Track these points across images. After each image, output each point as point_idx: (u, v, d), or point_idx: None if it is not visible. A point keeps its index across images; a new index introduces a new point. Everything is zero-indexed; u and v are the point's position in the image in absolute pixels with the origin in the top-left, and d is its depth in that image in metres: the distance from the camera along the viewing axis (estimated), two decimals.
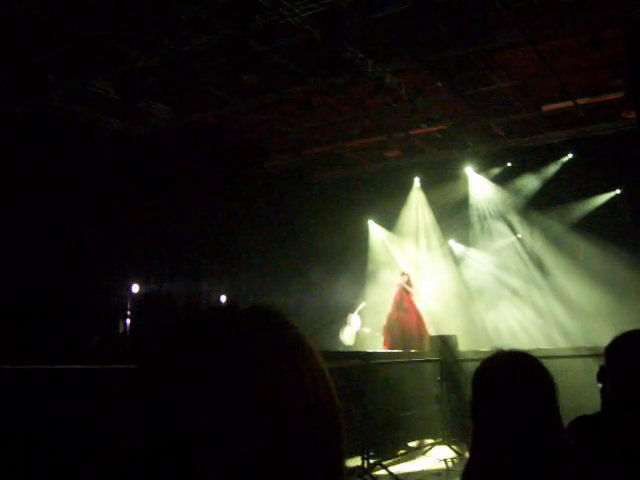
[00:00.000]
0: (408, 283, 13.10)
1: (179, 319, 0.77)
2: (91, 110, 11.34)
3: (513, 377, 1.86)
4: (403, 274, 13.30)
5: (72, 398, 5.16)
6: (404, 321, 12.67)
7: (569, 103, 12.07)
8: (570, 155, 13.97)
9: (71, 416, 4.95)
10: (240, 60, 9.75)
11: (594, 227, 13.16)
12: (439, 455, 9.15)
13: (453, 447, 9.32)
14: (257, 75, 10.05)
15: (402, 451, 9.16)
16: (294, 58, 10.02)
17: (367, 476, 7.49)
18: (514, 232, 14.81)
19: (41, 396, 5.01)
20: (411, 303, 12.97)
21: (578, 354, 8.96)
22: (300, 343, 0.76)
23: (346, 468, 0.75)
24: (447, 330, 12.24)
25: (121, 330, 12.07)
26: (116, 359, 6.90)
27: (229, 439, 0.64)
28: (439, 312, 13.85)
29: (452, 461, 8.74)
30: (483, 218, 15.20)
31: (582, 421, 2.61)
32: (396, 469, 8.11)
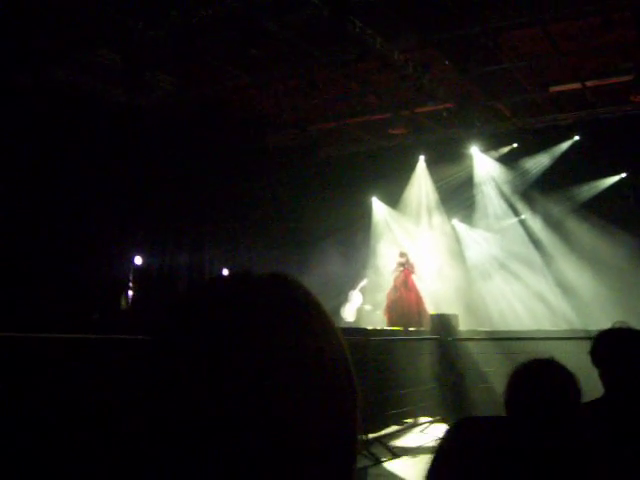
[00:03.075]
0: (407, 262, 13.13)
1: (194, 287, 0.75)
2: (96, 81, 11.28)
3: (544, 387, 1.99)
4: (402, 254, 13.32)
5: (73, 368, 5.20)
6: (405, 300, 12.73)
7: (577, 85, 11.98)
8: (577, 137, 13.90)
9: (73, 386, 4.98)
10: (247, 34, 9.67)
11: (599, 210, 13.14)
12: (436, 433, 9.24)
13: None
14: (263, 50, 9.98)
15: (400, 428, 9.23)
16: (301, 33, 9.94)
17: (365, 451, 7.56)
18: (518, 213, 14.80)
19: (41, 365, 5.05)
20: (411, 282, 13.02)
21: (578, 336, 9.00)
22: (320, 313, 0.74)
23: (360, 442, 0.75)
24: (448, 309, 12.28)
25: (123, 302, 12.12)
26: (118, 331, 6.93)
27: (247, 411, 0.64)
28: (440, 291, 13.88)
29: None
30: (487, 198, 15.18)
31: (586, 408, 2.66)
32: (393, 445, 8.19)
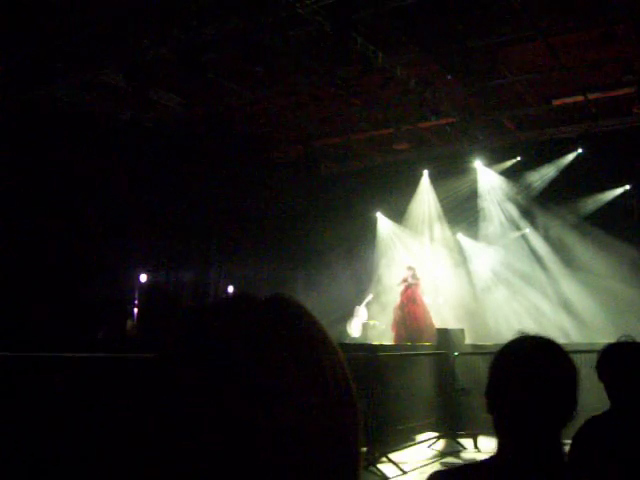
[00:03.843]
0: (414, 277, 13.11)
1: (198, 308, 0.77)
2: (100, 100, 11.35)
3: (534, 362, 1.70)
4: (409, 268, 13.31)
5: (79, 386, 5.19)
6: (412, 315, 12.70)
7: (580, 98, 12.00)
8: (580, 150, 13.91)
9: (77, 405, 4.98)
10: (250, 51, 9.73)
11: (602, 223, 13.11)
12: (443, 448, 9.18)
13: (458, 440, 9.34)
14: (267, 66, 10.04)
15: (407, 444, 9.18)
16: (304, 49, 10.00)
17: (372, 467, 7.52)
18: (522, 226, 14.78)
19: (49, 384, 5.04)
20: (418, 296, 13.00)
21: (583, 349, 8.95)
22: (322, 336, 0.75)
23: (362, 464, 0.76)
24: (453, 323, 12.24)
25: (129, 320, 12.13)
26: (123, 349, 6.94)
27: (247, 426, 0.65)
28: (446, 305, 13.85)
29: (456, 454, 8.77)
30: (491, 212, 15.17)
31: (594, 421, 2.64)
32: (401, 461, 8.14)
